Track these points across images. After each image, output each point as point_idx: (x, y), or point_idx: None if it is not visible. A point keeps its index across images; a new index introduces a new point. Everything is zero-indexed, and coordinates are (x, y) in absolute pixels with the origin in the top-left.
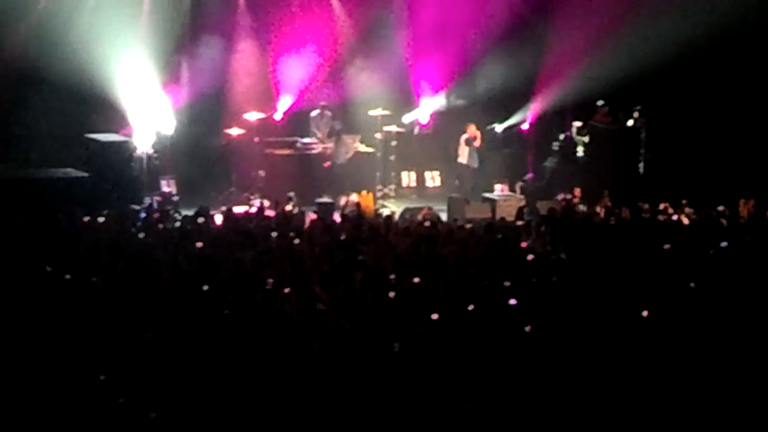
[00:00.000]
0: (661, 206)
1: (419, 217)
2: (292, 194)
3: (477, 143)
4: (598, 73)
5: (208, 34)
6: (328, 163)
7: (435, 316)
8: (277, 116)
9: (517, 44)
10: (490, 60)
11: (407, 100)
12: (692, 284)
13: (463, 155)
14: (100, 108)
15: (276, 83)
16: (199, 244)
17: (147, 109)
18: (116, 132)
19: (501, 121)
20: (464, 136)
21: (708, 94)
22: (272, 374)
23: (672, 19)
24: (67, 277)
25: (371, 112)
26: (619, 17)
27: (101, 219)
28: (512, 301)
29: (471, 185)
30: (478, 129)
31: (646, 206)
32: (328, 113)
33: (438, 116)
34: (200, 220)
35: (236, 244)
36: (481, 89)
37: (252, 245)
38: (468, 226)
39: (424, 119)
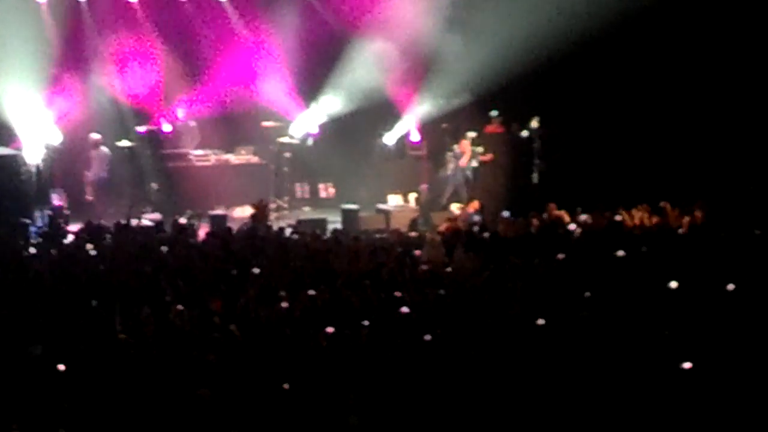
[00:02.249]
0: (555, 214)
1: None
2: (189, 210)
3: (463, 161)
4: (488, 83)
5: (94, 45)
6: None
7: (330, 330)
8: (167, 128)
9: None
10: (349, 70)
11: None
12: (587, 293)
13: (449, 168)
14: None
15: (166, 94)
16: (93, 253)
17: (32, 122)
18: (6, 146)
19: (388, 131)
20: (454, 150)
21: (600, 99)
22: (166, 389)
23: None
24: None
25: (264, 123)
26: None
27: None
28: (404, 309)
29: (447, 197)
30: (472, 146)
31: (545, 215)
32: (193, 123)
33: (328, 126)
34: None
35: (128, 258)
36: (353, 100)
37: (145, 259)
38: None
39: (314, 129)
